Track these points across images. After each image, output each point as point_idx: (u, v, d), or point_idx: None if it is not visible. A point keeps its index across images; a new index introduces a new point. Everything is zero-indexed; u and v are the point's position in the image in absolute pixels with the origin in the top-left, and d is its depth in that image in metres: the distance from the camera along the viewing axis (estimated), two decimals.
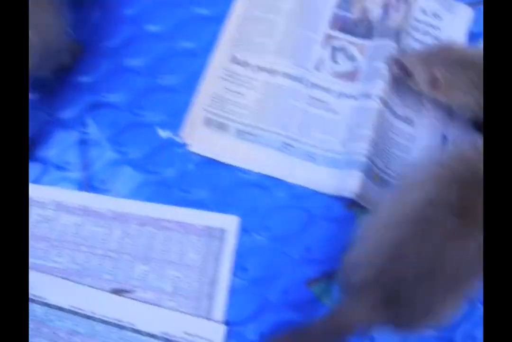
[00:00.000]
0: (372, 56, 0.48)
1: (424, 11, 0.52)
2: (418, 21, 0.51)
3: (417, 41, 0.50)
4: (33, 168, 0.46)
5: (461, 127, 0.47)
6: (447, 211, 0.29)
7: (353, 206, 0.44)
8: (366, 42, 0.49)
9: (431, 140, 0.47)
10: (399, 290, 0.29)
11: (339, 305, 0.33)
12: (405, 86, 0.46)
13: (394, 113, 0.47)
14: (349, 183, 0.42)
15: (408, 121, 0.47)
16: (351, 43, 0.49)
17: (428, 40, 0.50)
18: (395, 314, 0.30)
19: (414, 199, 0.30)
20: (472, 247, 0.28)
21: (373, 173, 0.44)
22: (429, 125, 0.47)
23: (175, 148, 0.46)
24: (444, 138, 0.47)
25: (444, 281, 0.29)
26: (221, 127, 0.46)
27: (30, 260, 0.43)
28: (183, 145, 0.46)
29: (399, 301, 0.29)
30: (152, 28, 0.51)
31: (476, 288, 0.30)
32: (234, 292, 0.42)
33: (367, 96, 0.46)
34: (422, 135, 0.47)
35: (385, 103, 0.46)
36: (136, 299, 0.42)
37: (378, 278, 0.30)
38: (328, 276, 0.42)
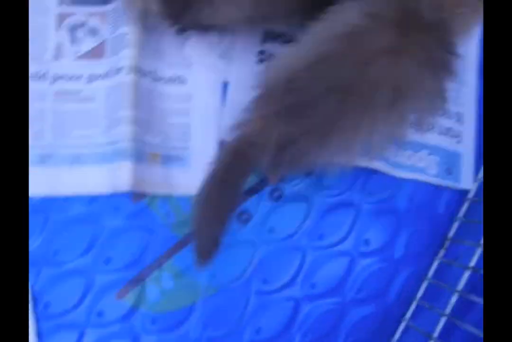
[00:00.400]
0: (115, 22, 0.42)
1: None
2: None
3: None
4: None
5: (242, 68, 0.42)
6: (385, 22, 0.27)
7: (141, 197, 0.40)
8: (106, 8, 0.43)
9: (210, 94, 0.42)
10: (306, 100, 0.27)
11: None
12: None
13: (158, 78, 0.41)
14: (121, 175, 0.37)
15: (179, 80, 0.42)
16: (90, 14, 0.43)
17: None
18: (300, 124, 0.27)
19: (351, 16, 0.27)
20: (405, 65, 0.26)
21: (150, 153, 0.39)
22: (205, 77, 0.42)
23: None
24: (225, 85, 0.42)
25: (361, 98, 0.26)
26: None
27: None
28: None
29: (305, 111, 0.27)
30: None
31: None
32: (44, 335, 0.37)
33: (117, 70, 0.40)
34: (200, 91, 0.42)
35: (141, 71, 0.40)
36: None
37: (286, 86, 0.28)
38: (136, 282, 0.38)
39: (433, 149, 0.45)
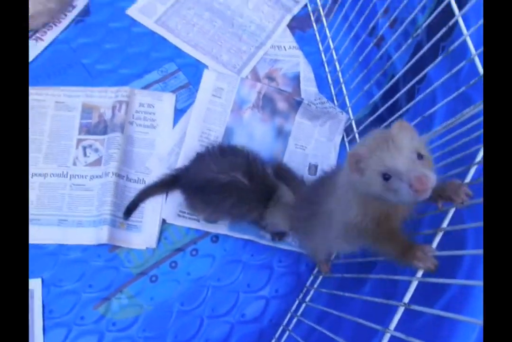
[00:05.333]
0: (108, 146, 0.76)
1: (141, 105, 0.81)
2: (138, 112, 0.80)
3: (140, 126, 0.79)
4: None
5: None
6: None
7: (114, 249, 0.71)
8: (104, 137, 0.77)
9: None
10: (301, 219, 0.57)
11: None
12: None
13: (128, 179, 0.75)
14: (102, 234, 0.69)
15: (140, 181, 0.75)
16: (95, 140, 0.77)
17: (147, 123, 0.79)
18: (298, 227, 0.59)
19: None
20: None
21: (119, 223, 0.71)
22: None
23: None
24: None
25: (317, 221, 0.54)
26: None
27: None
28: None
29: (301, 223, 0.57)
30: None
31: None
32: (48, 329, 0.67)
33: (106, 174, 0.73)
34: None
35: (118, 175, 0.73)
36: None
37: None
38: (106, 299, 0.69)
39: None
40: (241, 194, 0.61)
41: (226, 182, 0.60)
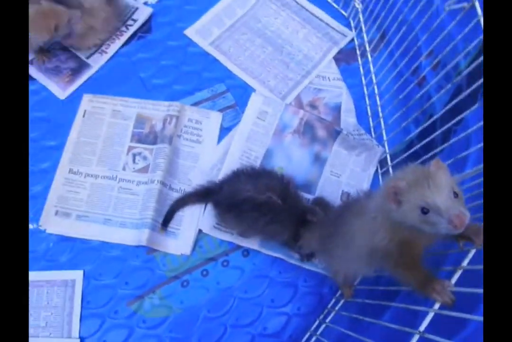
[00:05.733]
0: (156, 155, 0.95)
1: (190, 120, 1.00)
2: (186, 126, 1.00)
3: (187, 140, 0.98)
4: None
5: None
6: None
7: (152, 252, 0.89)
8: (153, 147, 0.97)
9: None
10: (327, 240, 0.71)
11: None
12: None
13: (170, 188, 0.93)
14: (143, 237, 0.87)
15: (181, 191, 0.93)
16: (144, 149, 0.97)
17: (194, 138, 0.98)
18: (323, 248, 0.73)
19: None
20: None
21: (158, 228, 0.89)
22: None
23: (40, 234, 0.90)
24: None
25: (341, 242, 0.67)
26: (66, 215, 0.91)
27: None
28: (44, 231, 0.90)
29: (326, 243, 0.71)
30: None
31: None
32: (84, 317, 0.84)
33: (152, 181, 0.92)
34: None
35: (163, 183, 0.92)
36: None
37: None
38: (139, 297, 0.85)
39: None
40: (276, 213, 0.78)
41: (262, 202, 0.78)
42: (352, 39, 1.14)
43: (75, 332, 0.80)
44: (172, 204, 0.88)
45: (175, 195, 0.90)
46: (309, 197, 0.92)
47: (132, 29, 1.08)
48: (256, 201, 0.76)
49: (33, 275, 0.84)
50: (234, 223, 0.82)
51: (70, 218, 0.88)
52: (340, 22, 1.15)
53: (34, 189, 0.91)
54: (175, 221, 0.88)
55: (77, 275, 0.84)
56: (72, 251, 0.87)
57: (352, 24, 1.15)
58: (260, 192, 0.77)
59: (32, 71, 1.02)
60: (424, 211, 0.49)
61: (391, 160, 0.93)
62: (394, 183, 0.52)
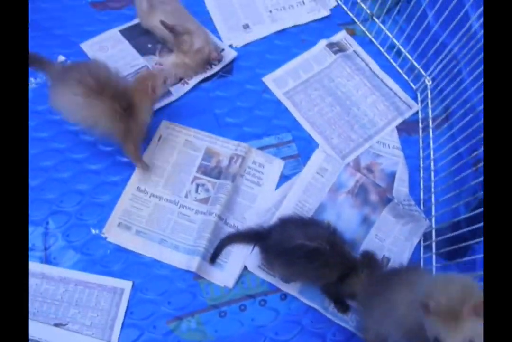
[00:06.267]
0: (218, 189, 1.25)
1: (254, 163, 1.31)
2: (250, 167, 1.30)
3: (248, 180, 1.28)
4: None
5: None
6: None
7: (198, 278, 1.16)
8: (216, 181, 1.27)
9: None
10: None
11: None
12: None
13: (226, 222, 1.22)
14: (193, 263, 1.15)
15: (234, 227, 1.22)
16: (208, 181, 1.27)
17: (255, 180, 1.28)
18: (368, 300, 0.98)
19: None
20: None
21: (208, 257, 1.17)
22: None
23: (100, 240, 1.19)
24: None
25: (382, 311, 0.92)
26: (127, 228, 1.19)
27: None
28: (105, 238, 1.19)
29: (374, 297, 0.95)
30: (92, 166, 1.28)
31: None
32: (125, 325, 1.10)
33: (210, 213, 1.21)
34: None
35: (219, 217, 1.21)
36: (68, 330, 1.10)
37: None
38: (178, 318, 1.12)
39: None
40: (324, 259, 1.05)
41: (313, 248, 1.05)
42: (417, 112, 1.46)
43: (115, 337, 1.06)
44: (222, 240, 1.15)
45: (229, 230, 1.19)
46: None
47: (216, 68, 1.42)
48: (307, 248, 1.03)
49: (87, 276, 1.11)
50: (281, 268, 1.08)
51: (130, 232, 1.17)
52: (408, 94, 1.48)
53: (103, 198, 1.21)
54: (224, 253, 1.16)
55: (126, 285, 1.11)
56: (126, 262, 1.14)
57: (419, 98, 1.47)
58: (310, 239, 1.04)
59: None
60: (436, 339, 0.66)
61: (436, 236, 1.21)
62: (432, 299, 0.66)
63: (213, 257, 1.13)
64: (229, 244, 1.16)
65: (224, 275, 1.14)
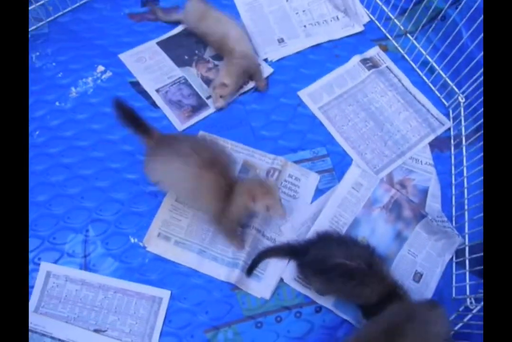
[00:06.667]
0: None
1: (290, 176, 1.34)
2: (286, 181, 1.33)
3: (284, 193, 1.31)
4: (53, 254, 1.20)
5: None
6: None
7: (235, 289, 1.19)
8: None
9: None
10: None
11: None
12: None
13: (263, 235, 1.25)
14: (233, 275, 1.18)
15: (271, 240, 1.25)
16: None
17: (291, 193, 1.31)
18: None
19: None
20: None
21: (246, 269, 1.19)
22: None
23: (139, 249, 1.22)
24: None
25: None
26: (166, 238, 1.22)
27: (46, 310, 1.14)
28: (144, 247, 1.22)
29: None
30: (130, 176, 1.31)
31: None
32: (163, 334, 1.13)
33: (248, 226, 1.24)
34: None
35: (257, 230, 1.24)
36: (107, 336, 1.12)
37: None
38: (216, 328, 1.14)
39: None
40: (362, 279, 1.07)
41: (352, 268, 1.07)
42: (449, 129, 1.48)
43: None
44: (260, 253, 1.17)
45: (267, 242, 1.21)
46: None
47: (252, 83, 1.45)
48: (346, 267, 1.05)
49: (126, 284, 1.14)
50: (319, 283, 1.10)
51: (170, 242, 1.19)
52: (440, 110, 1.50)
53: (141, 207, 1.24)
54: (262, 265, 1.18)
55: (165, 294, 1.13)
56: (163, 271, 1.17)
57: (451, 115, 1.50)
58: (350, 259, 1.06)
59: (158, 101, 1.38)
60: None
61: (469, 253, 1.23)
62: None
63: (250, 269, 1.15)
64: (266, 258, 1.18)
65: (261, 286, 1.17)
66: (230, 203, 1.05)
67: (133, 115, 1.06)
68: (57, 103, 1.37)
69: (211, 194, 1.04)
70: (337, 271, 1.03)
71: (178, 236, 1.20)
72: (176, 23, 1.54)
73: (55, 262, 1.17)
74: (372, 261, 1.06)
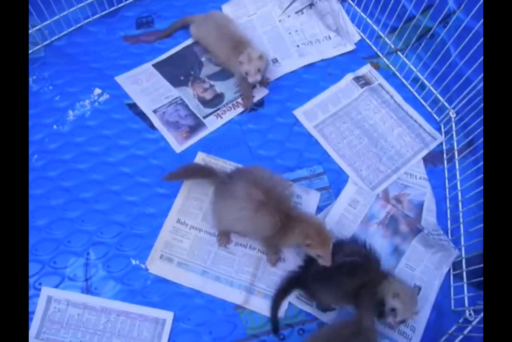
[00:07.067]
0: None
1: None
2: None
3: None
4: (54, 279, 1.21)
5: None
6: None
7: (238, 308, 1.20)
8: None
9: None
10: None
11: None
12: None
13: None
14: (240, 298, 1.19)
15: (280, 258, 1.27)
16: None
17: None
18: None
19: None
20: None
21: (256, 291, 1.21)
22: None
23: (141, 271, 1.23)
24: None
25: None
26: (169, 260, 1.24)
27: (47, 336, 1.14)
28: (146, 269, 1.23)
29: None
30: (130, 198, 1.33)
31: None
32: None
33: (253, 248, 1.26)
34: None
35: (263, 252, 1.25)
36: None
37: None
38: None
39: None
40: (363, 271, 1.07)
41: (353, 265, 1.07)
42: (441, 143, 1.51)
43: None
44: (273, 307, 1.15)
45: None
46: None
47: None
48: (353, 264, 1.06)
49: (128, 307, 1.15)
50: (330, 293, 1.10)
51: (172, 264, 1.21)
52: (432, 125, 1.54)
53: (141, 229, 1.26)
54: (270, 283, 1.20)
55: (168, 316, 1.15)
56: (166, 293, 1.18)
57: (443, 129, 1.53)
58: (352, 255, 1.08)
59: (156, 122, 1.41)
60: None
61: (466, 265, 1.25)
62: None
63: (275, 328, 1.16)
64: (280, 305, 1.17)
65: (266, 305, 1.18)
66: (285, 234, 1.08)
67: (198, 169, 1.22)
68: (55, 127, 1.39)
69: (267, 231, 1.08)
70: (343, 270, 1.06)
71: (181, 257, 1.21)
72: (172, 40, 1.57)
73: (56, 286, 1.18)
74: (370, 258, 1.09)
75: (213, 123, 1.42)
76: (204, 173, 1.20)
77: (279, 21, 1.64)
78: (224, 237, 1.23)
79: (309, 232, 1.05)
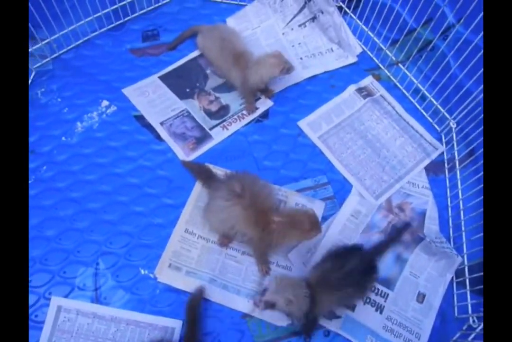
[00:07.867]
0: None
1: (297, 204, 1.39)
2: None
3: None
4: (64, 289, 1.23)
5: None
6: None
7: (245, 317, 1.22)
8: None
9: None
10: None
11: None
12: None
13: (278, 264, 1.28)
14: (244, 304, 1.21)
15: (286, 268, 1.29)
16: None
17: None
18: None
19: None
20: None
21: (260, 299, 1.23)
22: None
23: (149, 280, 1.26)
24: None
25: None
26: (177, 269, 1.26)
27: None
28: (154, 278, 1.26)
29: None
30: (138, 208, 1.36)
31: None
32: None
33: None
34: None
35: (271, 262, 1.28)
36: None
37: None
38: None
39: None
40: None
41: (368, 266, 1.11)
42: (442, 153, 1.55)
43: None
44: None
45: (281, 271, 1.27)
46: (389, 291, 1.26)
47: (253, 115, 1.51)
48: (362, 267, 1.10)
49: (138, 316, 1.17)
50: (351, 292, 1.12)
51: (181, 272, 1.23)
52: (433, 135, 1.57)
53: (150, 239, 1.28)
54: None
55: (177, 324, 1.17)
56: (175, 301, 1.21)
57: (444, 139, 1.57)
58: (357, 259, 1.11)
59: (163, 133, 1.44)
60: None
61: (469, 272, 1.28)
62: None
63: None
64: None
65: (276, 314, 1.20)
66: (270, 233, 1.13)
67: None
68: (63, 138, 1.42)
69: (241, 223, 1.14)
70: (351, 276, 1.08)
71: (189, 266, 1.24)
72: (177, 53, 1.61)
73: (66, 296, 1.20)
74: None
75: (219, 135, 1.45)
76: (206, 174, 1.28)
77: (283, 34, 1.68)
78: (223, 238, 1.27)
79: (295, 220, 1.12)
